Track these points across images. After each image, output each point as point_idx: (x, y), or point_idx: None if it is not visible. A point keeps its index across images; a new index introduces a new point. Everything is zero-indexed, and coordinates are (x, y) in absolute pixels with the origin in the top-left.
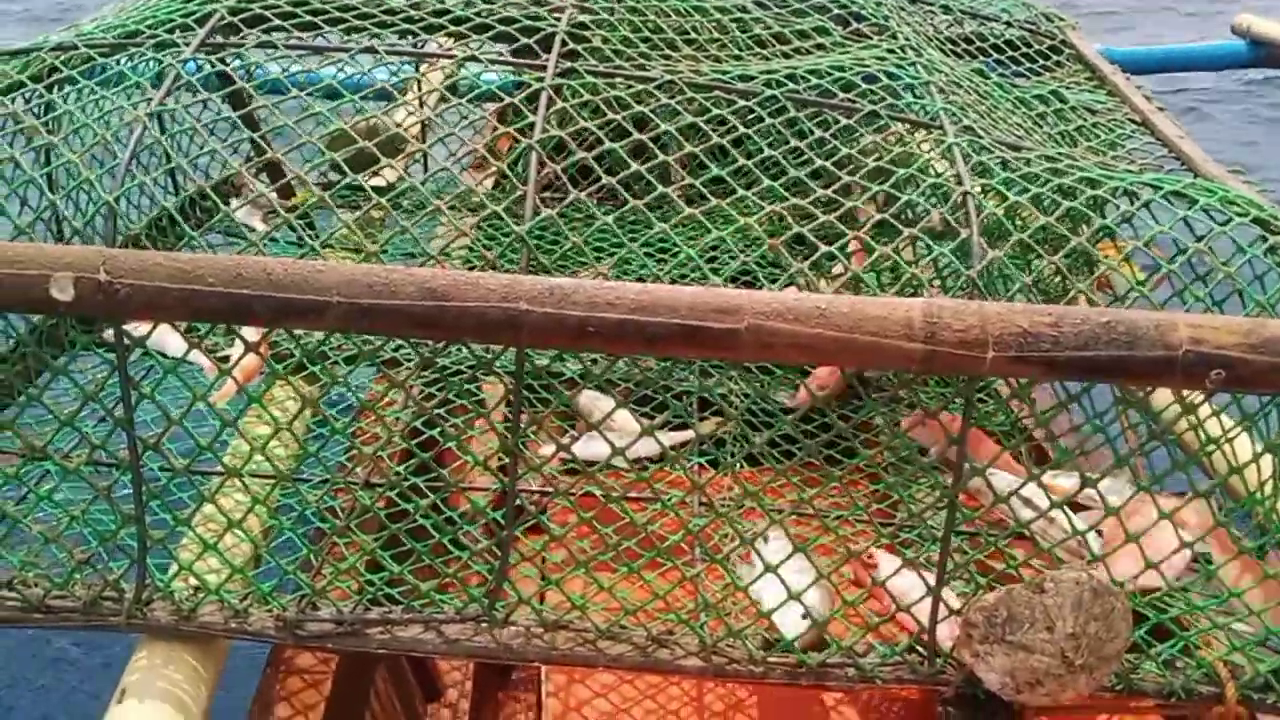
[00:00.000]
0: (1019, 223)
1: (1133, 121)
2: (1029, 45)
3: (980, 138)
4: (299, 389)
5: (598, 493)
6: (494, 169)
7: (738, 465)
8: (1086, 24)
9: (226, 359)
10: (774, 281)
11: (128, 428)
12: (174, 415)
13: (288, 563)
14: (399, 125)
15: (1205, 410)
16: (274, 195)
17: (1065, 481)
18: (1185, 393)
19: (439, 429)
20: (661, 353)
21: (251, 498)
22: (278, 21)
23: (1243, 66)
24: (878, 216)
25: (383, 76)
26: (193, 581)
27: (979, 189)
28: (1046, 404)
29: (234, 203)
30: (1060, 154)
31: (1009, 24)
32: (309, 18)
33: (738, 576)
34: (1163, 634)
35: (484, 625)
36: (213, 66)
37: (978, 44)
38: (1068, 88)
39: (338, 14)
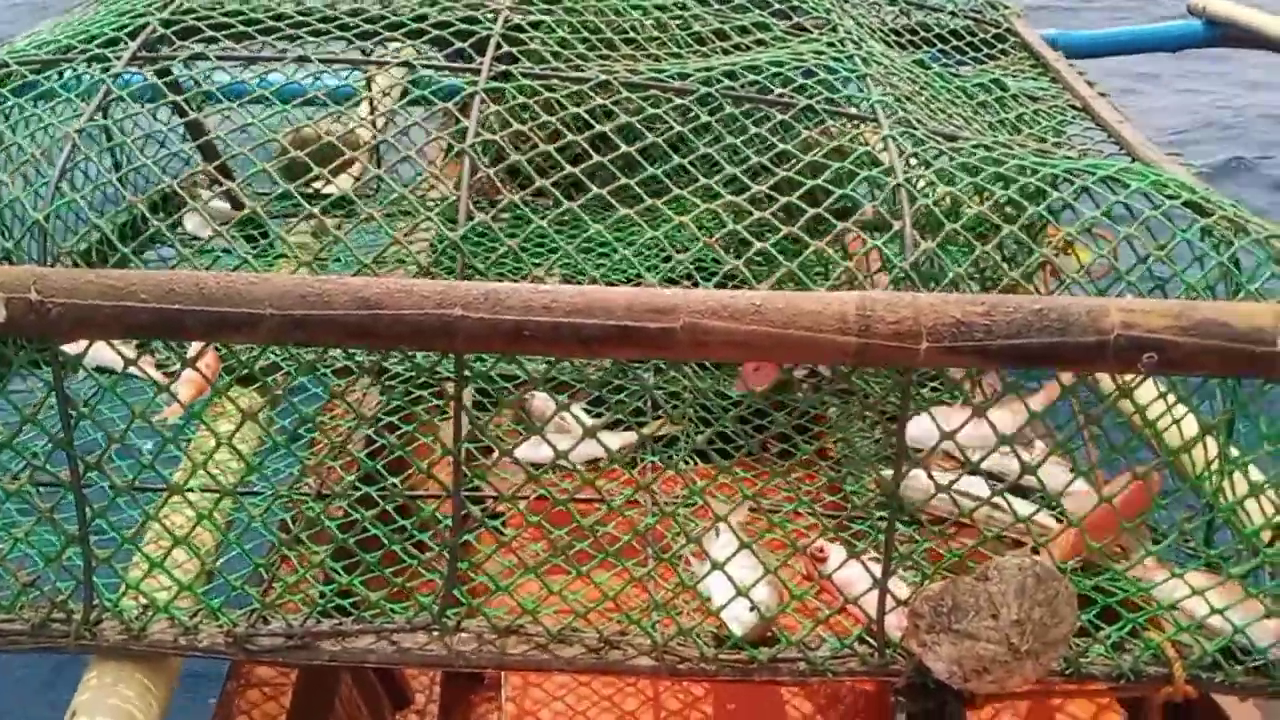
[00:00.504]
0: (955, 213)
1: (1073, 108)
2: (974, 34)
3: (916, 129)
4: (238, 403)
5: (548, 494)
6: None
7: (688, 462)
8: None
9: (175, 373)
10: (709, 281)
11: (68, 448)
12: (116, 433)
13: (237, 578)
14: (349, 132)
15: (1152, 391)
16: (225, 205)
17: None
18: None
19: (384, 439)
20: (599, 354)
21: (197, 513)
22: (211, 33)
23: (1200, 46)
24: (812, 211)
25: (332, 83)
26: (142, 600)
27: (916, 180)
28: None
29: (187, 219)
30: (998, 142)
31: (954, 14)
32: (242, 28)
33: (689, 575)
34: (1110, 617)
35: (436, 633)
36: (159, 77)
37: (922, 34)
38: (1010, 76)
39: (271, 23)
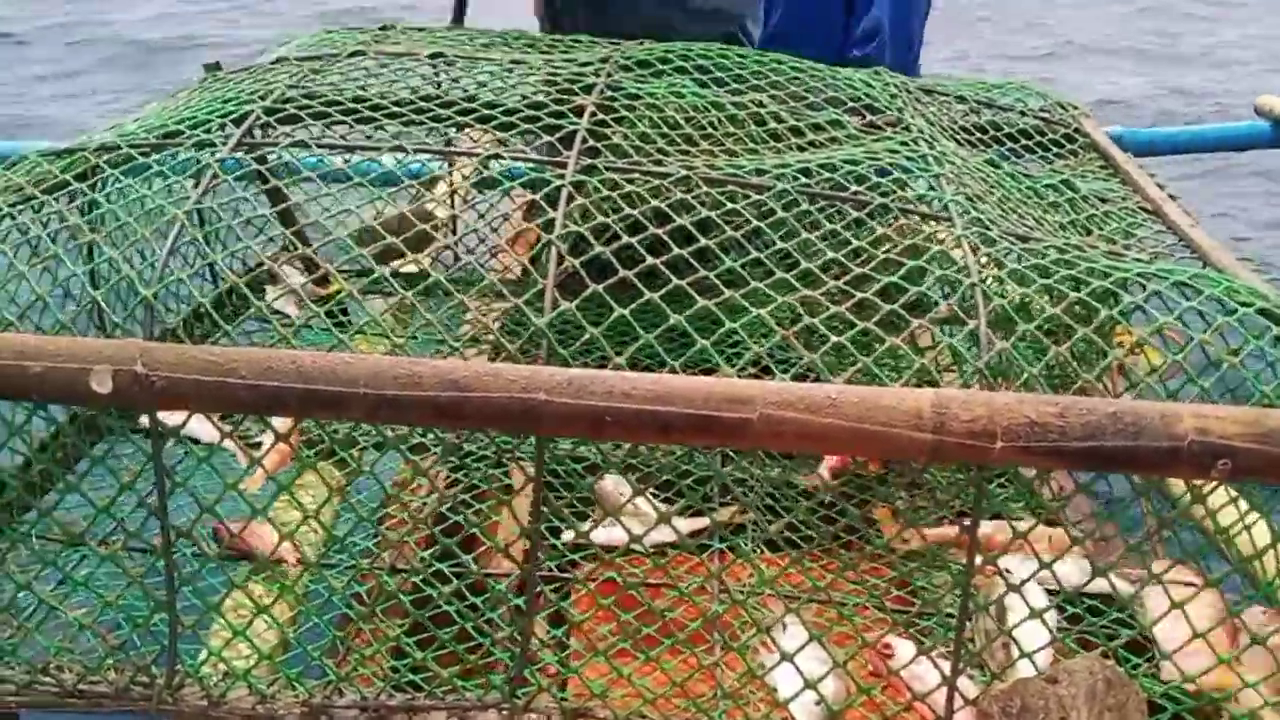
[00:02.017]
0: (1028, 313)
1: (1144, 209)
2: (1043, 134)
3: (989, 229)
4: (326, 476)
5: (618, 578)
6: (522, 257)
7: (757, 551)
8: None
9: (259, 445)
10: (786, 372)
11: (161, 516)
12: (206, 503)
13: (314, 649)
14: (429, 216)
15: (1224, 496)
16: (309, 284)
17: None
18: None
19: (462, 515)
20: (676, 441)
21: (280, 584)
22: (309, 120)
23: (1266, 147)
24: (887, 308)
25: (417, 169)
26: (221, 667)
27: (988, 279)
28: (1070, 488)
29: (270, 291)
30: (1070, 244)
31: (1023, 113)
32: (340, 116)
33: (757, 664)
34: None
35: (505, 712)
36: (252, 164)
37: (992, 133)
38: (1080, 176)
39: (368, 112)
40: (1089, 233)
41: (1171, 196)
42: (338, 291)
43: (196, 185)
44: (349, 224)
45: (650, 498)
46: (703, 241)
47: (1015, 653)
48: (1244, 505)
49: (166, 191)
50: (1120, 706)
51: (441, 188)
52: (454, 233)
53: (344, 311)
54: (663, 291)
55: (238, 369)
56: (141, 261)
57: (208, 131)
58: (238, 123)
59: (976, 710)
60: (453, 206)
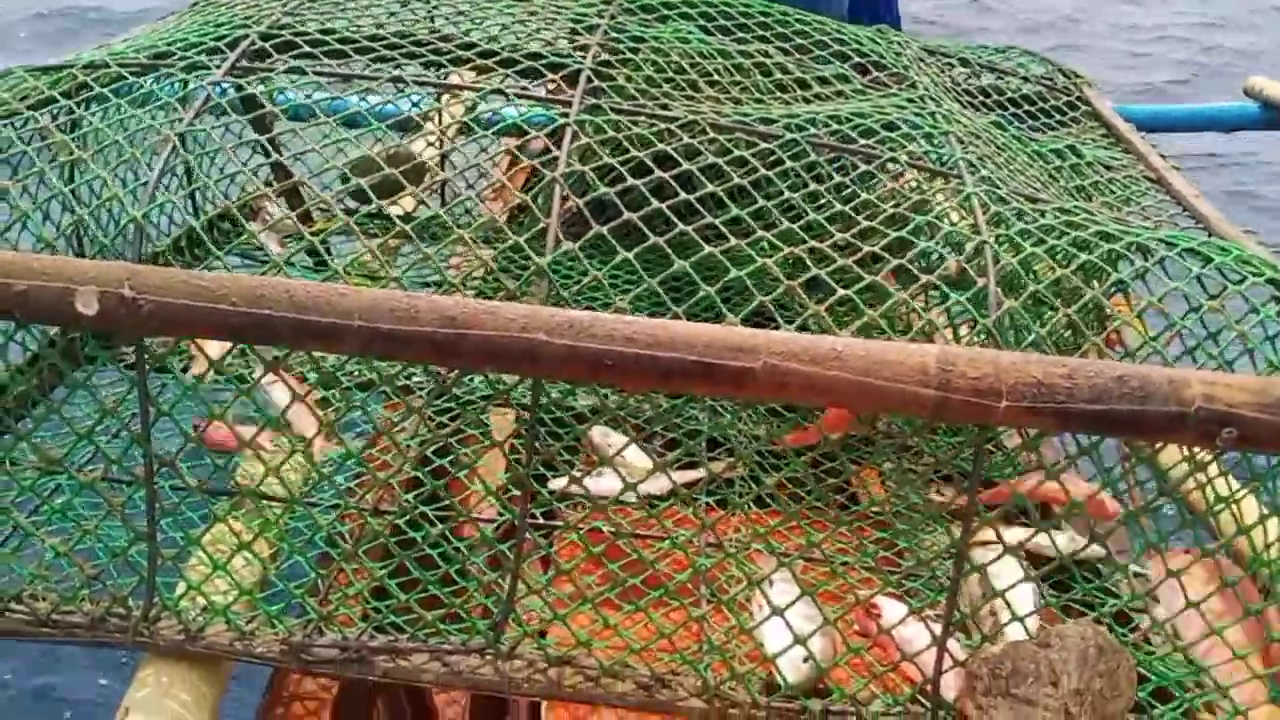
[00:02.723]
0: (1034, 274)
1: (1148, 179)
2: (1045, 100)
3: (998, 188)
4: (316, 413)
5: (606, 528)
6: (508, 202)
7: (747, 506)
8: None
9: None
10: (790, 323)
11: (145, 444)
12: (193, 432)
13: (295, 587)
14: (419, 154)
15: (1213, 470)
16: (294, 220)
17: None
18: (1194, 450)
19: (449, 457)
20: (677, 388)
21: (262, 520)
22: (307, 48)
23: (1254, 128)
24: (895, 262)
25: (405, 106)
26: (200, 602)
27: (995, 239)
28: (1052, 459)
29: (254, 225)
30: (1076, 208)
31: (1026, 79)
32: (337, 45)
33: (744, 618)
34: (1165, 697)
35: (489, 657)
36: (238, 90)
37: (995, 97)
38: (1084, 143)
39: (366, 43)
40: (1093, 198)
41: (1175, 168)
42: (324, 229)
43: (187, 107)
44: (339, 160)
45: (644, 447)
46: (708, 188)
47: (1004, 617)
48: (1233, 481)
49: (156, 113)
50: (1111, 673)
51: (436, 124)
52: (444, 172)
53: (329, 250)
54: (667, 237)
55: (228, 295)
56: (131, 182)
57: (200, 54)
58: (231, 48)
59: (965, 672)
60: (444, 145)
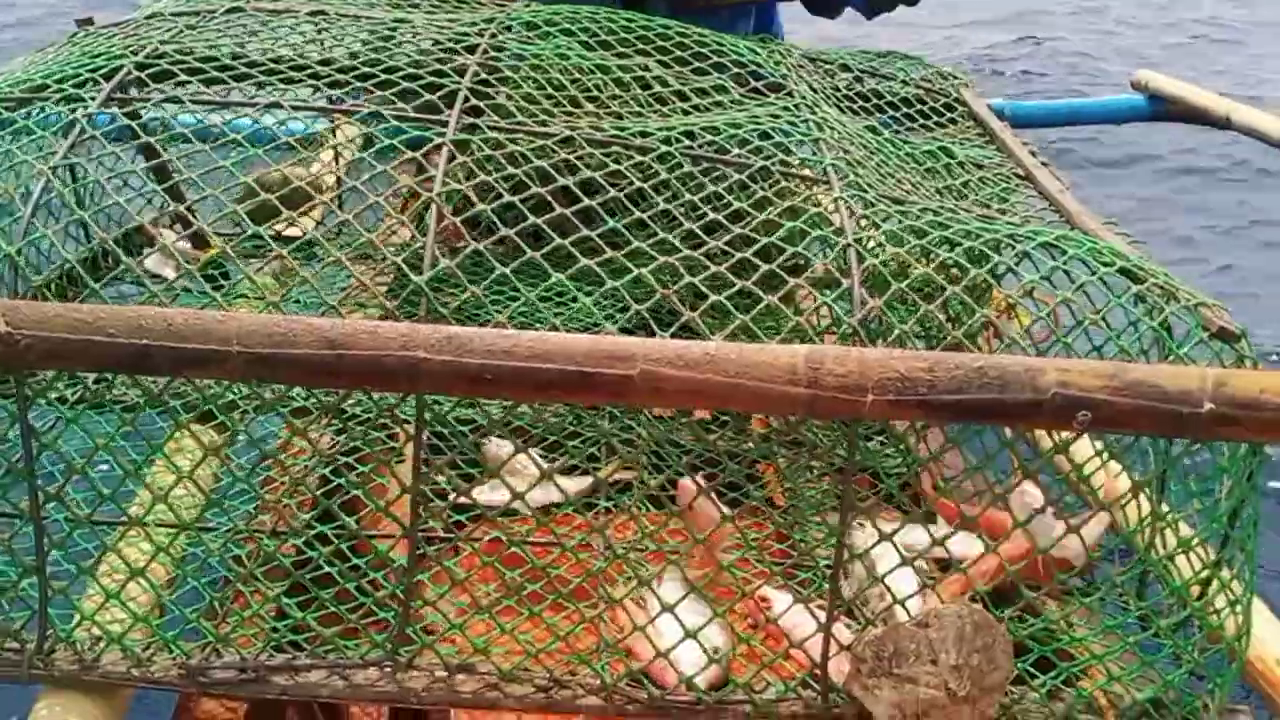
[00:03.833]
0: (903, 273)
1: (1017, 175)
2: (924, 102)
3: (865, 192)
4: (201, 438)
5: (502, 537)
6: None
7: (641, 508)
8: None
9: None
10: (668, 330)
11: (29, 478)
12: (77, 464)
13: (193, 611)
14: (313, 177)
15: (1088, 449)
16: (186, 245)
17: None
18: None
19: (344, 478)
20: (558, 398)
21: (154, 546)
22: (185, 77)
23: (1143, 120)
24: (765, 268)
25: (298, 129)
26: (95, 631)
27: (866, 241)
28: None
29: (146, 253)
30: (945, 207)
31: (905, 82)
32: (216, 73)
33: (639, 619)
34: (1046, 666)
35: (388, 669)
36: (127, 119)
37: (874, 101)
38: (958, 143)
39: (245, 69)
40: (964, 198)
41: (1044, 164)
42: (218, 254)
43: (64, 141)
44: (227, 184)
45: (534, 456)
46: (586, 202)
47: (887, 600)
48: (1106, 458)
49: (32, 148)
50: (988, 648)
51: (325, 148)
52: (337, 195)
53: (224, 275)
54: (544, 250)
55: (105, 326)
56: (4, 219)
57: (77, 86)
58: (108, 78)
59: (851, 655)
60: (335, 168)
